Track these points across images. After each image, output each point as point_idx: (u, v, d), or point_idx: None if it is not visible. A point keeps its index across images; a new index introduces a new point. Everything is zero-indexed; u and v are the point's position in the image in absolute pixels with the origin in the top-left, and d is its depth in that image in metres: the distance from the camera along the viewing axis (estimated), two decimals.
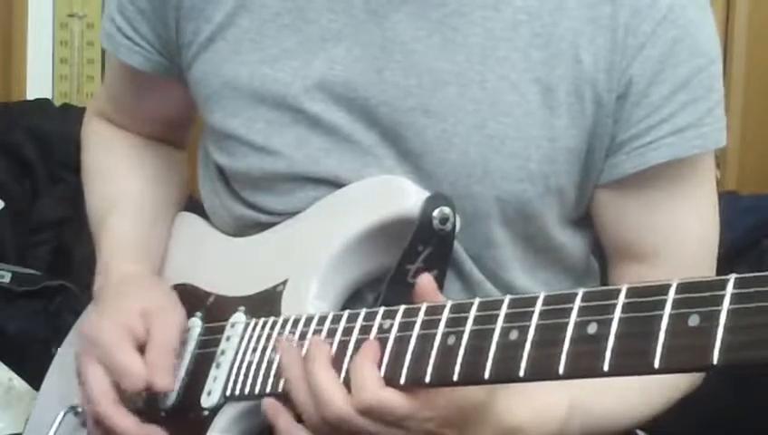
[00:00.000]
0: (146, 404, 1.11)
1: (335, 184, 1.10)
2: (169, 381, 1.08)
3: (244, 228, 1.17)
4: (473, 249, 1.09)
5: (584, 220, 1.15)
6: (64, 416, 1.15)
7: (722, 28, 2.49)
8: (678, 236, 1.11)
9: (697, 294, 0.73)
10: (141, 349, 1.09)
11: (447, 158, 1.07)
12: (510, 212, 1.08)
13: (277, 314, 1.06)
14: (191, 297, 1.17)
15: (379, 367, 0.91)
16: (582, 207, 1.13)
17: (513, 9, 1.07)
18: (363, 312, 0.96)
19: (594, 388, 1.04)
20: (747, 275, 0.71)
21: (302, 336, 1.00)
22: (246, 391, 1.03)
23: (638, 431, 1.17)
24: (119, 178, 1.31)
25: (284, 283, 1.09)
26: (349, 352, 0.94)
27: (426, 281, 0.94)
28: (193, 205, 1.32)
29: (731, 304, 0.70)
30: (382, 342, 0.92)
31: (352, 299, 1.08)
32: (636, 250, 1.11)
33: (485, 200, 1.07)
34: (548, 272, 1.14)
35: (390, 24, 1.08)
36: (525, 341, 0.82)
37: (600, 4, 1.07)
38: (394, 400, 0.89)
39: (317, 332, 0.99)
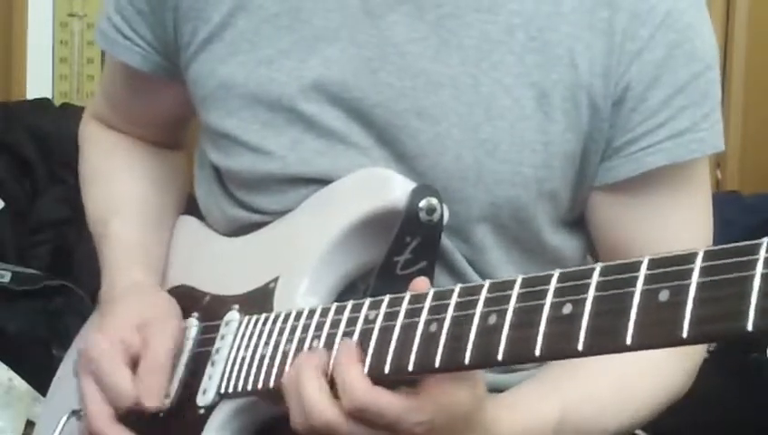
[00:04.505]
0: None
1: (328, 184, 1.09)
2: (158, 403, 1.07)
3: (238, 229, 1.17)
4: (466, 252, 1.09)
5: (579, 222, 1.14)
6: (67, 420, 1.15)
7: (722, 28, 2.50)
8: (670, 241, 1.09)
9: (667, 269, 0.73)
10: (137, 362, 1.09)
11: (441, 161, 1.06)
12: (503, 216, 1.08)
13: (269, 311, 1.06)
14: (188, 298, 1.17)
15: (365, 358, 0.91)
16: (577, 210, 1.13)
17: (508, 12, 1.06)
18: (350, 304, 0.96)
19: (586, 399, 1.05)
20: (715, 247, 0.71)
21: (293, 331, 1.00)
22: (240, 387, 1.03)
23: (638, 431, 1.17)
24: (120, 182, 1.31)
25: (276, 280, 1.09)
26: (336, 346, 0.94)
27: (419, 286, 0.94)
28: (193, 205, 1.31)
29: (700, 277, 0.70)
30: (368, 332, 0.92)
31: (346, 292, 1.08)
32: (627, 252, 1.10)
33: (479, 204, 1.07)
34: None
35: (386, 25, 1.07)
36: (503, 324, 0.82)
37: (598, 9, 1.06)
38: (383, 400, 0.89)
39: (306, 326, 0.99)
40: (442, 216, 1.03)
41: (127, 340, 1.09)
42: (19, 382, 2.15)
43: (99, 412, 1.08)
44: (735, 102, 2.51)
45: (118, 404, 1.07)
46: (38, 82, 2.70)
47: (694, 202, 1.12)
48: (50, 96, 2.68)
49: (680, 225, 1.11)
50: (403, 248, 1.02)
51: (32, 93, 2.67)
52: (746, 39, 2.53)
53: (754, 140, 2.54)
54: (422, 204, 1.02)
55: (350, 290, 1.08)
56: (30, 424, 2.10)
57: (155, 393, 1.07)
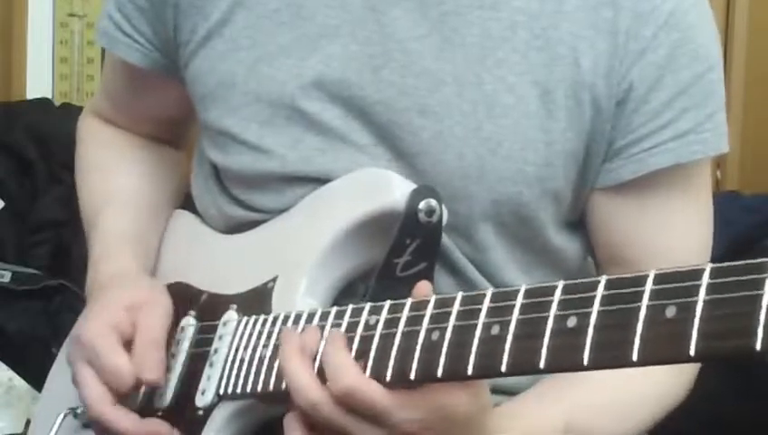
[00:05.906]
0: (142, 404, 1.11)
1: (327, 183, 1.09)
2: (158, 375, 1.07)
3: (235, 226, 1.17)
4: (468, 251, 1.09)
5: (581, 223, 1.14)
6: (64, 418, 1.15)
7: (722, 28, 2.50)
8: (669, 244, 1.10)
9: (674, 285, 0.72)
10: (130, 344, 1.08)
11: (443, 159, 1.06)
12: (505, 214, 1.07)
13: (268, 311, 1.06)
14: (185, 296, 1.16)
15: (366, 364, 0.90)
16: (579, 210, 1.12)
17: (511, 10, 1.06)
18: (350, 308, 0.95)
19: (591, 407, 1.04)
20: (722, 264, 0.70)
21: None
22: (239, 389, 1.03)
23: None
24: (115, 175, 1.30)
25: (274, 280, 1.08)
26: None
27: (423, 289, 0.93)
28: (190, 203, 1.31)
29: (707, 294, 0.70)
30: (369, 338, 0.91)
31: (346, 292, 1.07)
32: (625, 255, 1.10)
33: (481, 202, 1.06)
34: (544, 272, 1.13)
35: (388, 21, 1.07)
36: (507, 335, 0.81)
37: (601, 8, 1.05)
38: (374, 390, 0.88)
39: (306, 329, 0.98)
40: (441, 217, 1.03)
41: (118, 323, 1.08)
42: (19, 382, 2.16)
43: (98, 396, 1.06)
44: (735, 102, 2.50)
45: (117, 385, 1.06)
46: (38, 82, 2.71)
47: (694, 203, 1.12)
48: (50, 96, 2.68)
49: (680, 226, 1.11)
50: (403, 250, 1.02)
51: (32, 93, 2.68)
52: (746, 39, 2.53)
53: (754, 140, 2.54)
54: (422, 205, 1.02)
55: (349, 291, 1.07)
56: (30, 424, 2.10)
57: (154, 366, 1.06)
